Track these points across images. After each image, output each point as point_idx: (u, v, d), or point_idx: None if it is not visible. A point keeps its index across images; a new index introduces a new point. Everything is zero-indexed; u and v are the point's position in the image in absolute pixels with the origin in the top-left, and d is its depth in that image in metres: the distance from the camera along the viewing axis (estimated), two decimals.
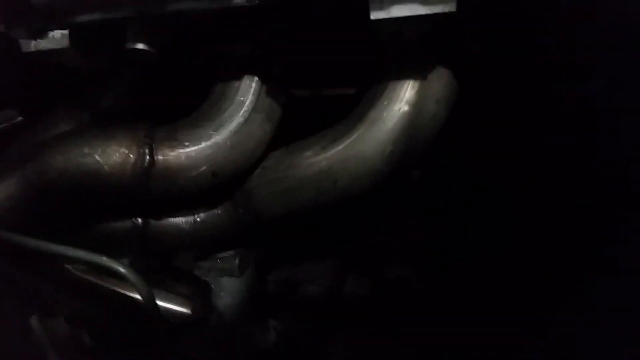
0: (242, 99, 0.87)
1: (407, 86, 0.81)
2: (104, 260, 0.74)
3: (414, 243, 1.25)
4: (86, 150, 0.85)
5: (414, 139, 0.84)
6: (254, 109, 0.88)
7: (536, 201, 1.05)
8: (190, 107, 0.93)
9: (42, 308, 0.58)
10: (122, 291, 0.93)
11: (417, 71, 0.80)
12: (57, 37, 0.80)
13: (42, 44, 0.80)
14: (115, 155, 0.85)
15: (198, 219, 1.02)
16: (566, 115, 0.87)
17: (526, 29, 0.79)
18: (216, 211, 1.01)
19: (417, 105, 0.81)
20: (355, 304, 1.32)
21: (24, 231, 0.81)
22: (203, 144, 0.87)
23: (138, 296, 0.89)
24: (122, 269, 0.73)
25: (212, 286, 1.12)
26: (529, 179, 1.01)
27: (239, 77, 0.87)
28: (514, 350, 0.98)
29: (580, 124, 0.88)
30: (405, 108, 0.81)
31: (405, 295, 1.27)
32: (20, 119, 1.05)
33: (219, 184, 0.92)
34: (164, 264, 1.17)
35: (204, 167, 0.87)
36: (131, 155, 0.85)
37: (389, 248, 1.29)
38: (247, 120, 0.88)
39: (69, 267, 0.93)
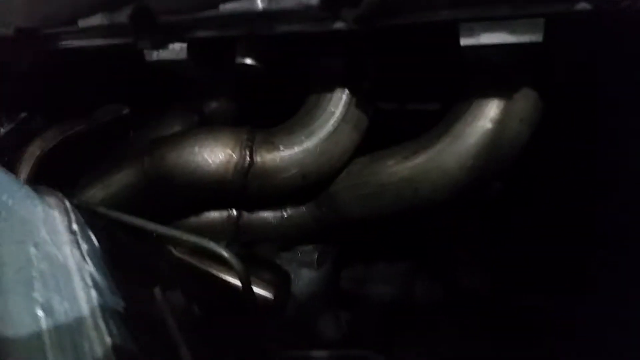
0: (332, 109, 0.94)
1: (492, 104, 0.83)
2: (211, 244, 0.84)
3: (486, 254, 1.26)
4: (196, 149, 0.95)
5: (496, 155, 0.86)
6: (343, 119, 0.94)
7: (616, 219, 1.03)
8: (285, 114, 1.01)
9: (162, 281, 0.69)
10: (217, 273, 1.03)
11: (502, 91, 0.82)
12: (177, 49, 0.89)
13: (163, 55, 0.89)
14: (220, 154, 0.95)
15: (285, 215, 1.11)
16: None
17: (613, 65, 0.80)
18: (302, 209, 1.09)
19: (500, 123, 0.83)
20: (425, 308, 1.35)
21: (138, 216, 0.94)
22: (296, 149, 0.95)
23: (230, 278, 1.00)
24: (225, 253, 0.83)
25: (292, 276, 1.20)
26: (607, 196, 1.00)
27: (331, 89, 0.93)
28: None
29: None
30: (489, 125, 0.84)
31: (475, 305, 1.28)
32: (125, 112, 1.19)
33: (307, 185, 0.99)
34: (250, 252, 1.27)
35: (295, 170, 0.95)
36: (234, 156, 0.95)
37: (463, 257, 1.31)
38: (336, 130, 0.94)
39: (172, 249, 1.06)
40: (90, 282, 0.54)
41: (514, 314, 1.17)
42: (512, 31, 0.66)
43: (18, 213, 0.54)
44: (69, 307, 0.51)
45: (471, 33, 0.68)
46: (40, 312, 0.49)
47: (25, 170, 1.13)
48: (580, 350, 1.01)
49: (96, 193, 1.06)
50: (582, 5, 0.62)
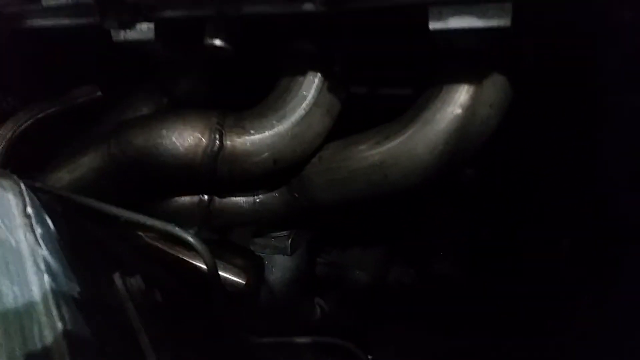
0: (304, 93, 0.93)
1: (462, 90, 0.83)
2: (176, 229, 0.83)
3: (459, 240, 1.27)
4: (164, 132, 0.94)
5: (466, 140, 0.86)
6: (315, 103, 0.93)
7: (593, 206, 1.04)
8: (255, 97, 1.00)
9: (122, 267, 0.68)
10: (187, 259, 1.02)
11: (471, 76, 0.82)
12: (144, 29, 0.87)
13: (130, 35, 0.88)
14: (189, 138, 0.93)
15: (257, 200, 1.10)
16: (620, 124, 0.87)
17: (582, 42, 0.80)
18: (274, 194, 1.09)
19: (470, 108, 0.83)
20: (399, 292, 1.36)
21: (104, 200, 0.92)
22: (267, 133, 0.94)
23: (200, 264, 0.99)
24: (190, 238, 0.82)
25: (266, 262, 1.21)
26: (581, 184, 1.01)
27: (303, 73, 0.92)
28: (553, 346, 1.00)
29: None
30: (459, 111, 0.84)
31: (447, 289, 1.30)
32: (99, 94, 1.17)
33: (279, 170, 0.99)
34: (223, 238, 1.27)
35: (266, 154, 0.94)
36: (203, 139, 0.93)
37: (435, 242, 1.32)
38: (308, 113, 0.93)
39: (141, 234, 1.04)
40: (43, 267, 0.52)
41: (488, 300, 1.19)
42: (481, 15, 0.66)
43: None
44: (19, 292, 0.49)
45: (440, 17, 0.68)
46: None
47: None
48: (554, 335, 1.03)
49: (62, 176, 1.04)
50: None
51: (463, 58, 0.82)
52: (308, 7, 0.73)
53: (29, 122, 1.14)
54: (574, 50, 0.81)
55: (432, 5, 0.67)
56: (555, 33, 0.81)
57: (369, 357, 1.19)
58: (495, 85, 0.84)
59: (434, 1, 0.67)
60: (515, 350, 1.07)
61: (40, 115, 1.15)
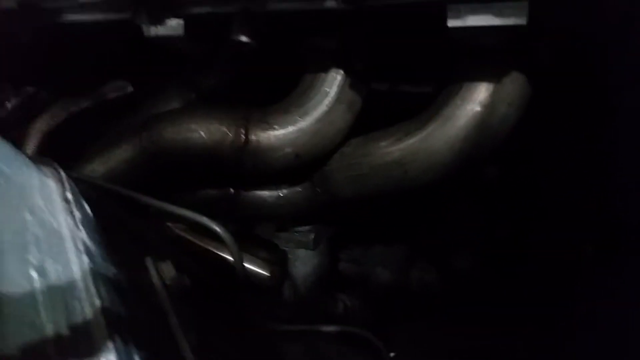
0: (327, 89, 0.95)
1: (481, 88, 0.85)
2: (204, 219, 0.87)
3: (477, 237, 1.27)
4: (193, 126, 0.98)
5: (485, 137, 0.88)
6: (337, 99, 0.95)
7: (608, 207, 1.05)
8: (279, 92, 1.03)
9: (154, 253, 0.72)
10: (214, 249, 1.06)
11: (491, 74, 0.84)
12: (174, 25, 0.90)
13: (160, 30, 0.91)
14: (217, 132, 0.97)
15: (281, 194, 1.13)
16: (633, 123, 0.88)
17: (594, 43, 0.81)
18: (297, 188, 1.11)
19: (489, 106, 0.85)
20: (420, 289, 1.37)
21: (136, 190, 0.97)
22: (290, 128, 0.96)
23: (227, 256, 1.02)
24: (218, 229, 0.86)
25: (289, 255, 1.23)
26: (597, 184, 1.02)
27: (325, 70, 0.95)
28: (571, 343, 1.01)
29: None
30: (478, 108, 0.86)
31: (468, 287, 1.30)
32: (130, 89, 1.21)
33: (301, 165, 1.01)
34: (248, 230, 1.30)
35: (289, 149, 0.97)
36: (229, 134, 0.97)
37: (454, 240, 1.32)
38: (330, 110, 0.96)
39: (170, 225, 1.09)
40: (82, 248, 0.56)
41: (507, 298, 1.19)
42: (498, 13, 0.68)
43: (14, 180, 0.57)
44: (61, 270, 0.53)
45: (458, 14, 0.70)
46: (34, 273, 0.52)
47: (32, 145, 1.16)
48: (572, 335, 1.04)
49: (96, 167, 1.08)
50: None
51: (482, 56, 0.83)
52: (330, 4, 0.75)
53: (62, 117, 1.20)
54: (587, 51, 0.81)
55: (451, 2, 0.70)
56: (570, 33, 0.82)
57: (391, 354, 1.21)
58: (514, 83, 0.85)
59: None
60: (536, 350, 1.08)
61: (73, 110, 1.20)
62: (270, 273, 1.17)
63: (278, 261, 1.20)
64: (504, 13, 0.67)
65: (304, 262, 1.24)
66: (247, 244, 1.20)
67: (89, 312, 0.51)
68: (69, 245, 0.56)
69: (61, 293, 0.52)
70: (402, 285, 1.37)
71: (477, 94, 0.86)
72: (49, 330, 0.49)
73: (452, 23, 0.70)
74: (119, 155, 1.06)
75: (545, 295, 1.13)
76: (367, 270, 1.37)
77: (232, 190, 1.14)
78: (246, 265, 1.07)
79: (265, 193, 1.14)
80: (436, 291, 1.34)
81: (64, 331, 0.49)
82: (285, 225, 1.24)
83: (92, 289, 0.53)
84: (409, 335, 1.29)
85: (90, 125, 1.25)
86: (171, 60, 1.10)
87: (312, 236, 1.21)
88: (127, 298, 0.57)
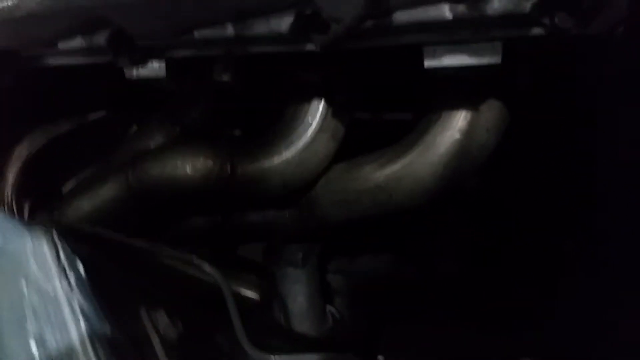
0: (310, 120, 0.97)
1: (459, 115, 0.87)
2: (194, 258, 0.88)
3: (462, 242, 1.30)
4: (179, 162, 0.99)
5: (465, 162, 0.90)
6: (321, 129, 0.97)
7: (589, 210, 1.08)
8: (262, 123, 1.04)
9: (147, 298, 0.73)
10: (203, 277, 1.06)
11: (468, 103, 0.86)
12: (156, 67, 0.90)
13: (142, 73, 0.91)
14: (203, 168, 0.98)
15: (268, 219, 1.14)
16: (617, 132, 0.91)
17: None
18: (285, 214, 1.12)
19: (468, 133, 0.87)
20: (407, 294, 1.40)
21: (123, 226, 0.97)
22: (275, 160, 0.98)
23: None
24: (208, 268, 0.87)
25: (278, 274, 1.24)
26: (579, 188, 1.05)
27: (308, 101, 0.96)
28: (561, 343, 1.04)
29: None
30: (457, 135, 0.87)
31: (454, 289, 1.33)
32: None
33: (288, 193, 1.03)
34: (236, 254, 1.31)
35: (276, 180, 0.99)
36: (215, 168, 0.98)
37: (439, 245, 1.35)
38: (314, 140, 0.97)
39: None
40: (78, 311, 0.58)
41: (494, 302, 1.23)
42: (473, 53, 0.70)
43: (8, 250, 0.58)
44: (59, 337, 0.55)
45: (434, 55, 0.72)
46: (33, 345, 0.53)
47: (12, 173, 1.16)
48: (556, 335, 1.07)
49: (82, 204, 1.09)
50: (536, 31, 0.65)
51: (459, 87, 0.86)
52: (310, 47, 0.77)
53: (43, 142, 1.19)
54: (569, 68, 0.84)
55: (427, 45, 0.72)
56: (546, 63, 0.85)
57: (380, 357, 1.23)
58: (492, 109, 0.87)
59: (428, 41, 0.71)
60: (522, 348, 1.11)
61: (54, 135, 1.20)
62: (259, 295, 1.19)
63: (265, 282, 1.21)
64: (479, 53, 0.69)
65: (293, 281, 1.25)
66: (234, 266, 1.21)
67: None
68: (66, 310, 0.57)
69: None
70: (390, 291, 1.39)
71: (455, 121, 0.87)
72: None
73: (428, 63, 0.72)
74: (105, 194, 1.07)
75: (529, 293, 1.17)
76: (353, 279, 1.39)
77: (219, 217, 1.16)
78: (235, 288, 1.08)
79: (252, 218, 1.15)
80: (423, 294, 1.37)
81: None
82: (274, 246, 1.25)
83: (91, 354, 0.55)
84: (397, 338, 1.33)
85: (73, 151, 1.24)
86: (154, 96, 1.10)
87: (300, 255, 1.22)
88: (124, 355, 0.59)
